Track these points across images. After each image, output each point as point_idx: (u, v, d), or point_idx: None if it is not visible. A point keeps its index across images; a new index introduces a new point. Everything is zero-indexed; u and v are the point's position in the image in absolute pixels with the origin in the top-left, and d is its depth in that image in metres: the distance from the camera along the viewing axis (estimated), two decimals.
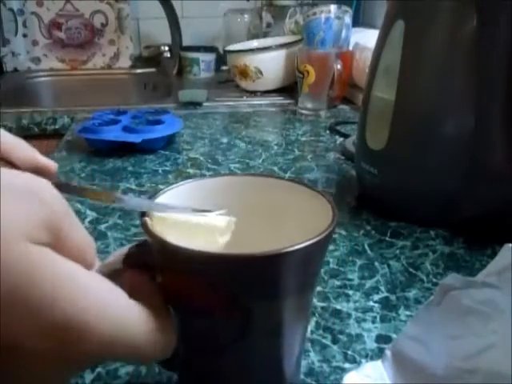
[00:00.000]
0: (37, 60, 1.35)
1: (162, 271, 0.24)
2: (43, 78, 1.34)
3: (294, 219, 0.28)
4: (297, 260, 0.22)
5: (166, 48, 1.39)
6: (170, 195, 0.27)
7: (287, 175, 0.61)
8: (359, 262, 0.42)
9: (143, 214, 0.24)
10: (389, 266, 0.41)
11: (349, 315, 0.35)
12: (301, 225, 0.27)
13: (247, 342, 0.24)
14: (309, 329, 0.33)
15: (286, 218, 0.29)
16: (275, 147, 0.72)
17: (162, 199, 0.26)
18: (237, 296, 0.22)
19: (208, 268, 0.21)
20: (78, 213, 0.50)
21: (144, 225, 0.23)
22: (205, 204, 0.29)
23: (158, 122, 0.71)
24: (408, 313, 0.35)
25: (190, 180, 0.29)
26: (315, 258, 0.24)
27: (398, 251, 0.44)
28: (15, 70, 1.33)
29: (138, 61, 1.43)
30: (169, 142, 0.72)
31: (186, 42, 1.31)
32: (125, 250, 0.25)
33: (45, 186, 0.19)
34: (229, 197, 0.29)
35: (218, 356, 0.25)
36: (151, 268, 0.24)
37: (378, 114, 0.49)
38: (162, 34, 1.37)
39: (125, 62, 1.39)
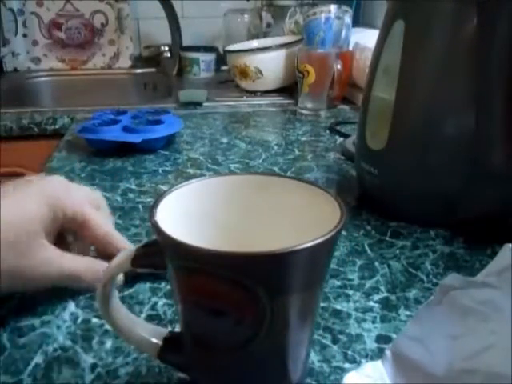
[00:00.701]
0: (37, 60, 1.35)
1: (175, 271, 0.24)
2: (43, 78, 1.34)
3: (300, 217, 0.28)
4: (306, 258, 0.22)
5: (166, 48, 1.39)
6: (175, 196, 0.27)
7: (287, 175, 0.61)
8: (359, 262, 0.42)
9: (152, 215, 0.24)
10: (389, 266, 0.41)
11: (349, 315, 0.35)
12: (308, 223, 0.27)
13: (258, 341, 0.24)
14: None
15: (292, 216, 0.29)
16: (275, 147, 0.72)
17: (166, 202, 0.26)
18: (249, 293, 0.22)
19: (220, 266, 0.22)
20: None
21: (155, 225, 0.23)
22: (209, 203, 0.29)
23: (158, 122, 0.71)
24: (408, 313, 0.35)
25: (198, 178, 0.29)
26: (323, 256, 0.24)
27: (397, 251, 0.44)
28: (15, 70, 1.33)
29: (138, 61, 1.43)
30: (169, 142, 0.72)
31: (185, 42, 1.31)
32: (132, 251, 0.25)
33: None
34: (234, 196, 0.30)
35: (230, 356, 0.25)
36: (160, 268, 0.24)
37: (377, 114, 0.49)
38: (161, 34, 1.37)
39: (125, 62, 1.39)
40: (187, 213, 0.28)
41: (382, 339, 0.33)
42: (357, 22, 1.13)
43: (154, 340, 0.27)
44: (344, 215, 0.24)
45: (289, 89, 1.05)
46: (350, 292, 0.38)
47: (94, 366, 0.30)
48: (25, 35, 1.32)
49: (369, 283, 0.39)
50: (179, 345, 0.27)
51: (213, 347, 0.25)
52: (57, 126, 0.89)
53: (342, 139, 0.75)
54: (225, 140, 0.75)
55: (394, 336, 0.33)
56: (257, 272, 0.22)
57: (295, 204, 0.29)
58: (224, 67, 1.24)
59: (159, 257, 0.24)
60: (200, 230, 0.28)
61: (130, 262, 0.25)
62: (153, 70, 1.36)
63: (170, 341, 0.28)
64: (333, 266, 0.41)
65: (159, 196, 0.26)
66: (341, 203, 0.25)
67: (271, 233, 0.29)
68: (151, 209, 0.25)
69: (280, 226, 0.29)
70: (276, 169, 0.64)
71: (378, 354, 0.31)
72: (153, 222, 0.23)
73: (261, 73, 1.03)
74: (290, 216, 0.29)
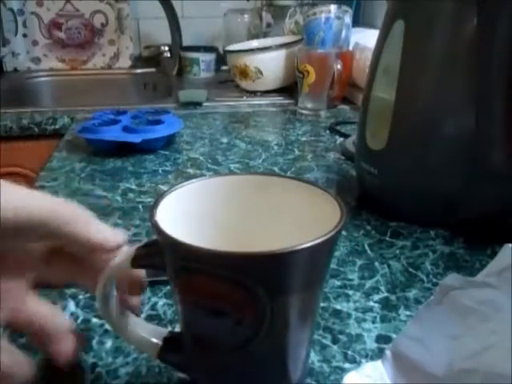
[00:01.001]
0: (37, 60, 1.35)
1: (175, 271, 0.24)
2: (43, 78, 1.34)
3: (300, 217, 0.28)
4: (306, 258, 0.22)
5: (166, 48, 1.39)
6: (175, 196, 0.27)
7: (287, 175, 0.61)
8: (359, 262, 0.42)
9: (152, 215, 0.24)
10: (389, 266, 0.41)
11: (349, 315, 0.35)
12: (308, 223, 0.27)
13: (258, 341, 0.24)
14: None
15: (292, 216, 0.29)
16: (275, 147, 0.72)
17: (166, 202, 0.26)
18: (249, 293, 0.22)
19: (220, 266, 0.22)
20: None
21: (155, 225, 0.23)
22: (209, 203, 0.29)
23: (158, 122, 0.71)
24: (408, 313, 0.35)
25: (198, 178, 0.29)
26: (323, 256, 0.24)
27: (397, 251, 0.44)
28: (15, 70, 1.33)
29: (138, 61, 1.43)
30: (169, 142, 0.72)
31: (186, 42, 1.31)
32: (132, 250, 0.25)
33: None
34: (234, 196, 0.30)
35: (230, 356, 0.25)
36: (160, 268, 0.24)
37: (377, 114, 0.49)
38: (162, 34, 1.37)
39: (125, 62, 1.39)
40: (187, 213, 0.28)
41: (382, 339, 0.33)
42: (357, 22, 1.13)
43: (154, 340, 0.27)
44: (344, 215, 0.24)
45: (289, 89, 1.05)
46: (350, 292, 0.38)
47: (93, 366, 0.30)
48: (25, 35, 1.32)
49: (369, 283, 0.39)
50: (179, 345, 0.27)
51: (213, 347, 0.25)
52: (57, 126, 0.89)
53: (342, 139, 0.75)
54: (225, 140, 0.75)
55: (394, 336, 0.33)
56: (257, 272, 0.22)
57: (295, 204, 0.29)
58: (224, 67, 1.24)
59: (159, 257, 0.24)
60: (200, 230, 0.28)
61: (130, 262, 0.25)
62: (153, 69, 1.36)
63: (170, 341, 0.28)
64: (333, 266, 0.41)
65: (159, 196, 0.26)
66: (341, 203, 0.25)
67: (271, 233, 0.29)
68: (151, 209, 0.25)
69: (280, 226, 0.29)
70: (276, 169, 0.64)
71: (378, 354, 0.31)
72: (153, 222, 0.23)
73: (261, 73, 1.03)
74: (290, 216, 0.29)
